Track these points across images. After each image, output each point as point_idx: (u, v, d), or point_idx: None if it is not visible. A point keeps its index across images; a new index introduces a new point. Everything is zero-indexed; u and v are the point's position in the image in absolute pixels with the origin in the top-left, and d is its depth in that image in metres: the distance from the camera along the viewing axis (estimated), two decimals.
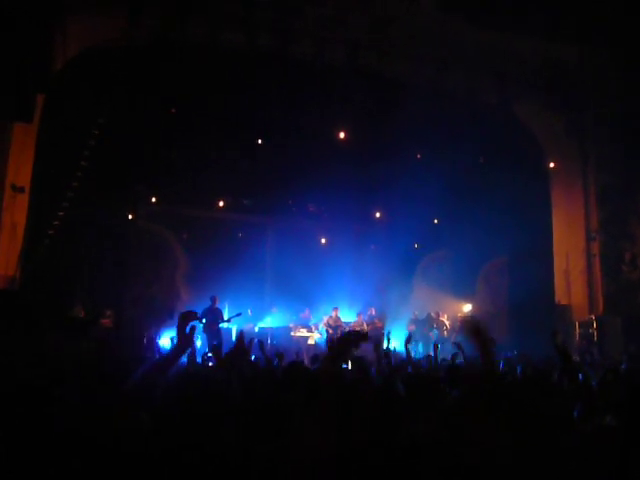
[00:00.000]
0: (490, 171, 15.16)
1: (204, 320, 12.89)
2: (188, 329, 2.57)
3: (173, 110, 13.41)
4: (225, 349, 13.20)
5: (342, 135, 14.67)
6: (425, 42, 12.17)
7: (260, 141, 14.03)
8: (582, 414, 3.29)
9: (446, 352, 14.83)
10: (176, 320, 2.61)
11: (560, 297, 14.26)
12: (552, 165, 14.67)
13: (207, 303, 13.51)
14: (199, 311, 12.76)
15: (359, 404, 2.82)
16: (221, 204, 17.73)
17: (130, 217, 15.99)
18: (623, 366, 5.32)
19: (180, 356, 2.56)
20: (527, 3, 10.87)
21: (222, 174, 15.60)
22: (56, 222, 11.33)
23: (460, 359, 6.44)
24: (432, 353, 6.97)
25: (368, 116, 13.80)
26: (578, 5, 10.86)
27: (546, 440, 2.54)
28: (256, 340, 6.24)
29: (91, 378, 3.36)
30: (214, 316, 13.28)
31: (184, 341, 2.56)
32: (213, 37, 11.27)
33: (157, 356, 7.52)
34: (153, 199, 16.57)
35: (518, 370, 5.81)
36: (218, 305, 13.75)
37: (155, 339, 12.35)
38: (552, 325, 13.87)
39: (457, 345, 6.86)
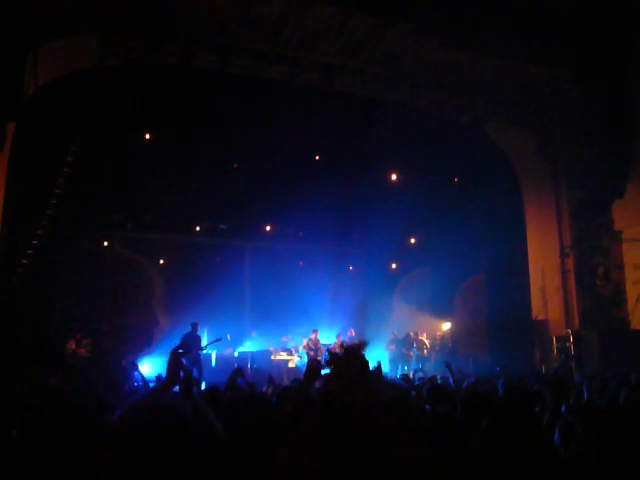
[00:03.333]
0: (465, 190, 15.36)
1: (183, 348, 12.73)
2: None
3: (147, 135, 13.37)
4: (205, 374, 13.01)
5: (317, 157, 14.76)
6: (398, 63, 12.35)
7: (236, 165, 14.03)
8: (562, 438, 3.28)
9: (426, 371, 14.87)
10: (153, 348, 2.58)
11: (537, 312, 14.39)
12: (524, 183, 14.93)
13: (187, 329, 13.34)
14: (179, 337, 12.63)
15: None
16: (198, 229, 17.65)
17: (106, 244, 15.82)
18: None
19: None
20: (498, 26, 11.12)
21: (198, 198, 15.54)
22: (30, 251, 11.16)
23: (450, 379, 6.44)
24: (410, 372, 6.96)
25: (343, 137, 13.91)
26: (548, 28, 11.15)
27: (524, 464, 2.54)
28: (235, 365, 6.18)
29: (69, 413, 3.24)
30: (194, 343, 13.12)
31: (172, 378, 2.52)
32: (186, 60, 11.26)
33: (137, 385, 7.38)
34: (129, 225, 16.44)
35: (500, 387, 5.78)
36: (199, 332, 13.58)
37: (132, 368, 12.13)
38: (530, 340, 14.03)
39: (447, 365, 6.87)
